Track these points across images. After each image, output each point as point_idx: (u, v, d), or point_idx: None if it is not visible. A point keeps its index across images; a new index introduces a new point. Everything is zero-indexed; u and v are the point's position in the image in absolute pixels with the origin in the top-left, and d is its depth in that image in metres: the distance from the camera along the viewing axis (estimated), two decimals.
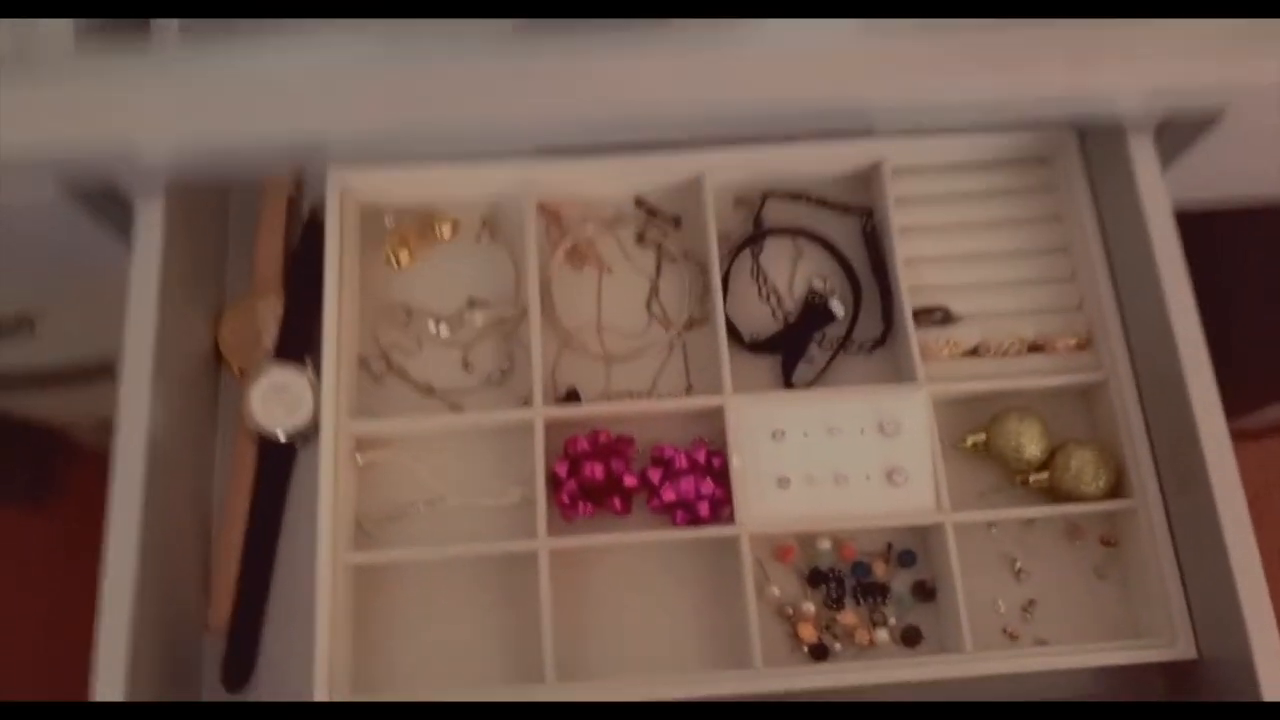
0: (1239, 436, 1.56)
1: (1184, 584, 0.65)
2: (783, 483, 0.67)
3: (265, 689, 0.67)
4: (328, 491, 0.65)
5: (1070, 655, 0.64)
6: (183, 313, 0.70)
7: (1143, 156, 0.68)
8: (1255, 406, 1.32)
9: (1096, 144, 0.73)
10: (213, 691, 0.66)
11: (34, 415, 1.17)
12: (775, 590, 0.68)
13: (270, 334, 0.73)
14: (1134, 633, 0.67)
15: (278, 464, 0.71)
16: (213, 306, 0.74)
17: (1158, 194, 0.67)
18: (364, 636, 0.67)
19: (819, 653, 0.66)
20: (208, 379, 0.73)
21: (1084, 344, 0.71)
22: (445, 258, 0.76)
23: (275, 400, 0.70)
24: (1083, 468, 0.67)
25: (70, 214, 0.68)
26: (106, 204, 0.68)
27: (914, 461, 0.67)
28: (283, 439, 0.70)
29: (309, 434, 0.70)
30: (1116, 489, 0.68)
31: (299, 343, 0.72)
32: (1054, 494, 0.69)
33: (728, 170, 0.74)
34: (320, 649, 0.62)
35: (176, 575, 0.66)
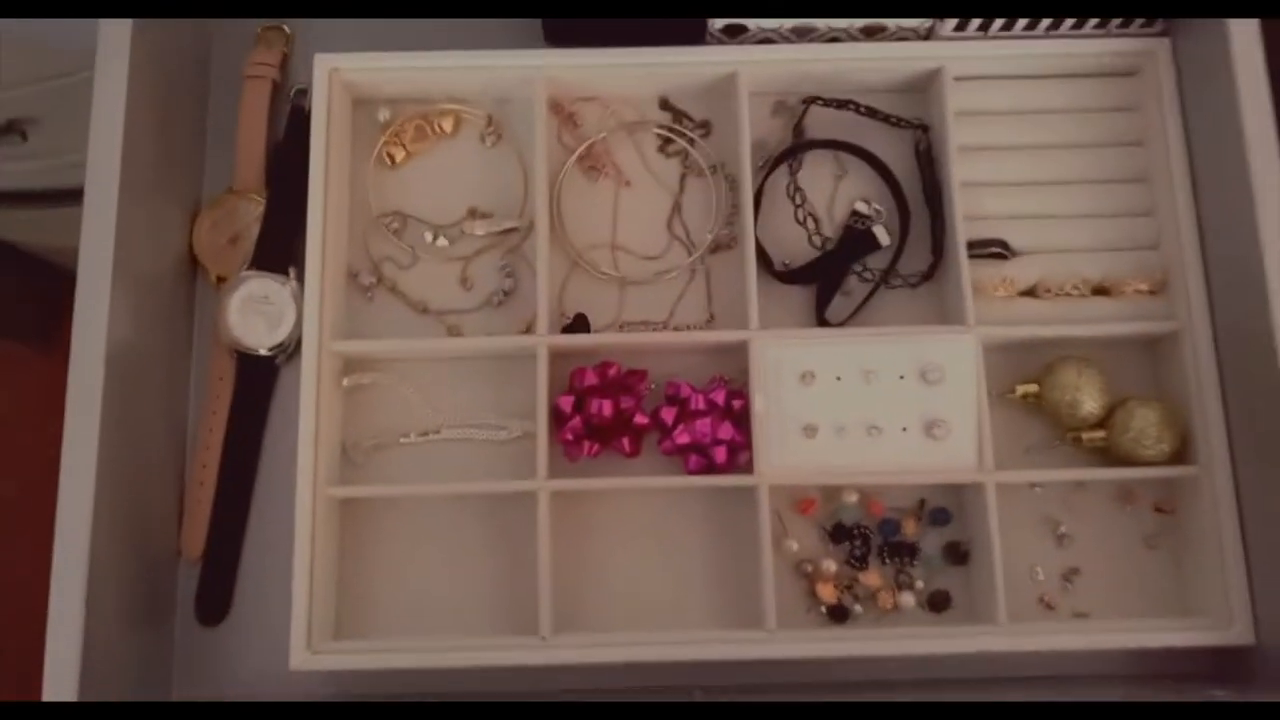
0: None
1: (1248, 563, 0.58)
2: (809, 430, 0.60)
3: (242, 624, 0.62)
4: (309, 418, 0.60)
5: (1111, 634, 0.59)
6: (153, 208, 0.63)
7: (1248, 65, 0.58)
8: None
9: (1192, 53, 0.63)
10: (186, 625, 0.62)
11: (40, 249, 1.15)
12: (794, 545, 0.62)
13: (251, 237, 0.66)
14: (1184, 611, 0.61)
15: (257, 382, 0.65)
16: (189, 204, 0.67)
17: (1262, 111, 0.58)
18: (348, 576, 0.62)
19: (838, 615, 0.61)
20: (181, 285, 0.66)
21: (1157, 289, 0.63)
22: (445, 159, 0.68)
23: (255, 313, 0.64)
24: (1145, 429, 0.60)
25: None
26: None
27: (957, 413, 0.60)
28: (263, 354, 0.64)
29: (292, 350, 0.64)
30: (1179, 454, 0.61)
31: (282, 249, 0.65)
32: (1109, 455, 0.62)
33: (766, 70, 0.65)
34: (299, 590, 0.58)
35: (145, 499, 0.61)
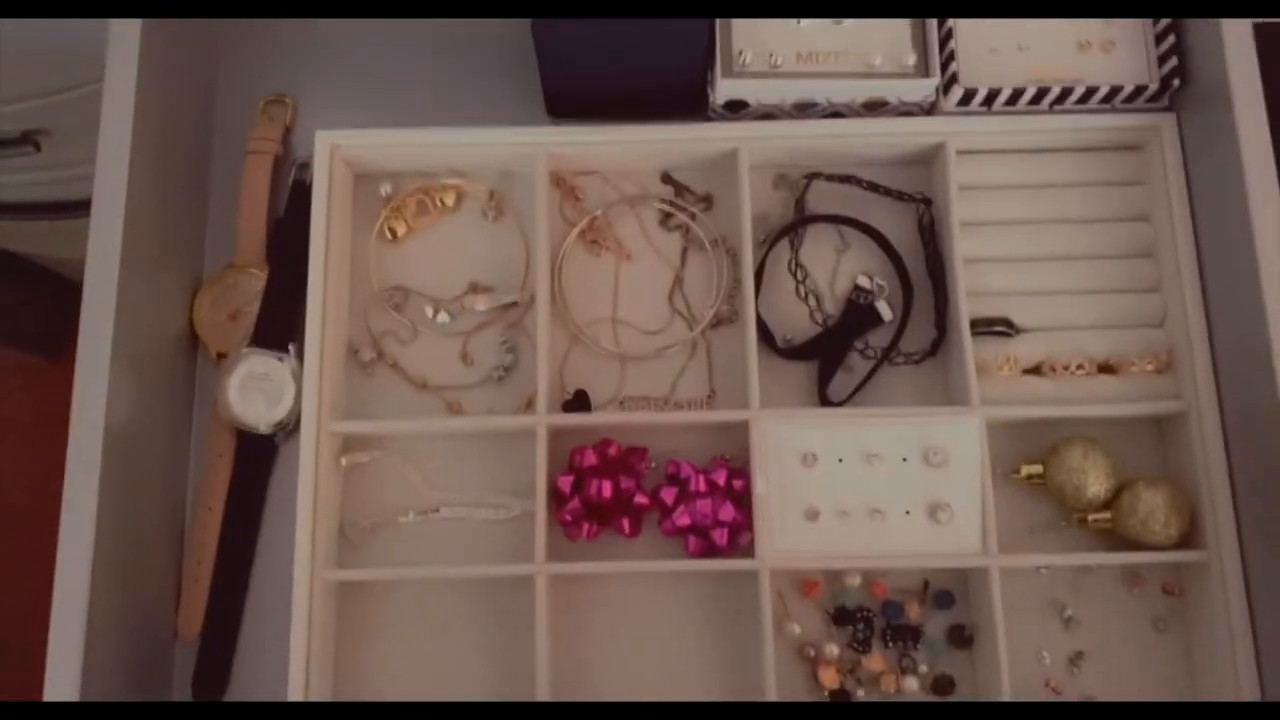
0: None
1: (1256, 647, 0.57)
2: (811, 514, 0.59)
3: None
4: (306, 500, 0.59)
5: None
6: (154, 283, 0.63)
7: (1252, 140, 0.58)
8: None
9: (1197, 128, 0.63)
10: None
11: (51, 260, 1.16)
12: (796, 628, 0.61)
13: (252, 313, 0.66)
14: (1192, 695, 0.60)
15: (257, 460, 0.65)
16: (190, 279, 0.67)
17: (1268, 187, 0.57)
18: (344, 656, 0.61)
19: (840, 699, 0.60)
20: (182, 361, 0.66)
21: (1163, 367, 0.63)
22: (447, 233, 0.68)
23: (254, 390, 0.64)
24: (1152, 512, 0.59)
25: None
26: None
27: (961, 496, 0.59)
28: (263, 432, 0.64)
29: (291, 428, 0.64)
30: (1187, 536, 0.60)
31: (282, 325, 0.65)
32: (1115, 537, 0.61)
33: (768, 146, 0.65)
34: (295, 672, 0.57)
35: (142, 576, 0.61)
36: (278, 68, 0.71)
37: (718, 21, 0.63)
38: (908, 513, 0.60)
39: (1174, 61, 0.63)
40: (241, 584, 0.63)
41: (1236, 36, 0.59)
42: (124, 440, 0.58)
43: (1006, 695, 0.57)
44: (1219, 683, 0.58)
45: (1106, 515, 0.61)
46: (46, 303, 1.17)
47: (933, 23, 0.64)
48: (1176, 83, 0.63)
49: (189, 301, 0.66)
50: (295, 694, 0.57)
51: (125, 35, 0.60)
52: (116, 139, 0.59)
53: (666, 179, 0.68)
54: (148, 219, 0.61)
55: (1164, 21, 0.64)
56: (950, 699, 0.61)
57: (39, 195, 1.08)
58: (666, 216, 0.68)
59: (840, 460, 0.60)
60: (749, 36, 0.64)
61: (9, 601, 1.37)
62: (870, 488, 0.60)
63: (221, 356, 0.65)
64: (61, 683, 0.53)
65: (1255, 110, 0.58)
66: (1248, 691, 0.57)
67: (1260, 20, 0.60)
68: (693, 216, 0.67)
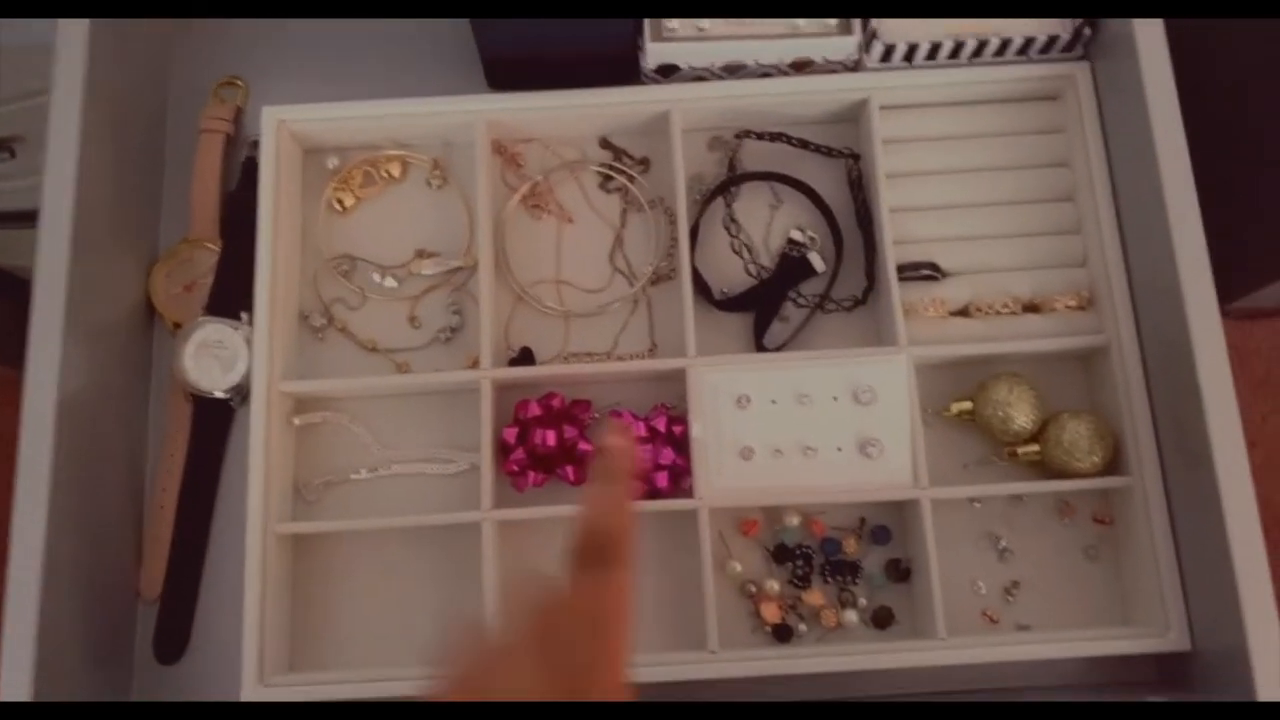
0: (1257, 315, 1.48)
1: (1181, 570, 0.59)
2: (746, 453, 0.61)
3: (199, 662, 0.63)
4: (258, 458, 0.61)
5: (1052, 644, 0.59)
6: (109, 258, 0.65)
7: (1157, 83, 0.60)
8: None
9: (1109, 76, 0.65)
10: (145, 663, 0.63)
11: (22, 269, 1.18)
12: (737, 566, 0.63)
13: (207, 285, 0.68)
14: (1124, 620, 0.62)
15: (213, 423, 0.67)
16: (146, 254, 0.69)
17: (1172, 127, 0.60)
18: (301, 610, 0.63)
19: (782, 634, 0.62)
20: (139, 332, 0.68)
21: (1085, 304, 0.65)
22: (393, 202, 0.70)
23: (209, 357, 0.66)
24: (1076, 441, 0.61)
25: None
26: None
27: (890, 432, 0.62)
28: (219, 397, 0.66)
29: (247, 392, 0.66)
30: (1113, 464, 0.62)
31: (235, 295, 0.67)
32: (1044, 468, 0.63)
33: (699, 107, 0.67)
34: (250, 624, 0.59)
35: (103, 540, 0.62)
36: (229, 51, 0.74)
37: None
38: (839, 449, 0.62)
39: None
40: (201, 544, 0.65)
41: None
42: (80, 409, 0.60)
43: (941, 625, 0.59)
44: (1147, 607, 0.60)
45: (1034, 448, 0.63)
46: (23, 314, 1.18)
47: None
48: (1088, 32, 0.66)
49: (145, 275, 0.69)
50: (249, 645, 0.59)
51: (74, 22, 0.63)
52: (67, 122, 0.61)
53: (605, 143, 0.71)
54: (100, 198, 0.63)
55: None
56: (888, 630, 0.62)
57: (16, 204, 1.09)
58: (606, 179, 0.70)
59: (773, 402, 0.62)
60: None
61: None
62: (802, 427, 0.62)
63: (178, 327, 0.67)
64: (19, 642, 0.55)
65: (1159, 55, 0.61)
66: (1173, 615, 0.59)
67: None
68: (631, 179, 0.70)
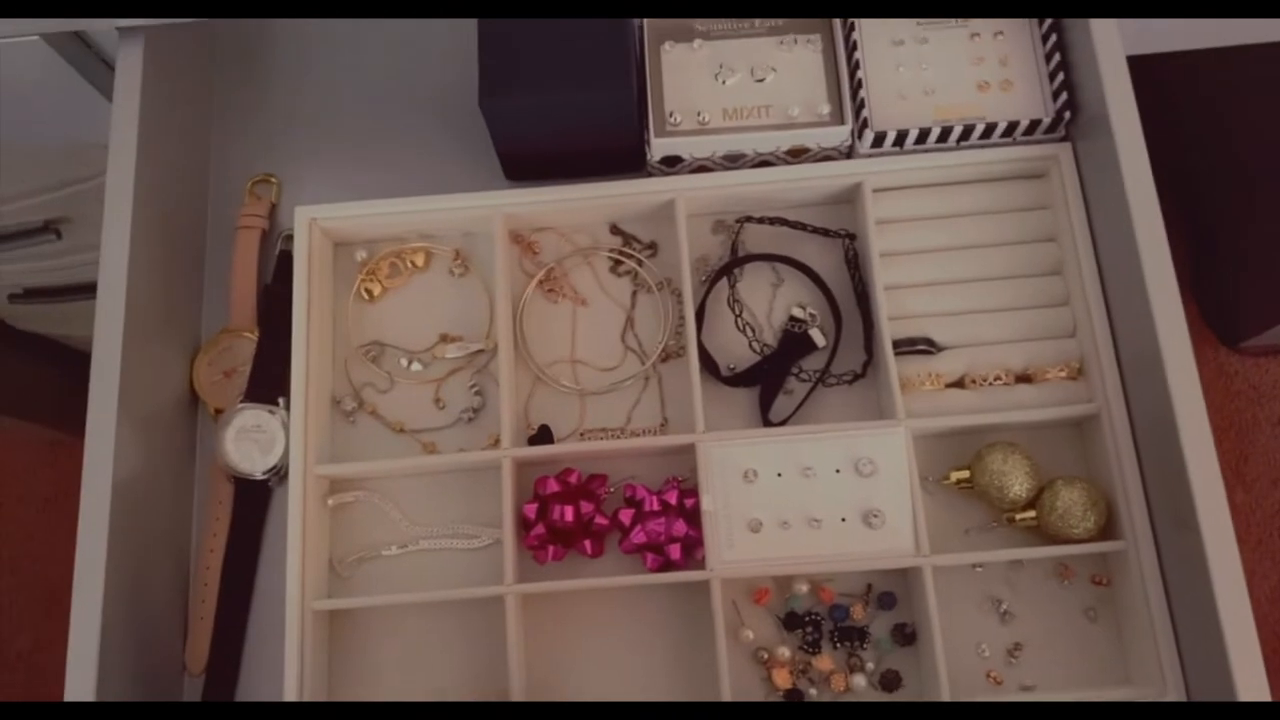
0: (1272, 352, 1.50)
1: (1175, 629, 0.62)
2: (754, 525, 0.65)
3: None
4: (295, 538, 0.65)
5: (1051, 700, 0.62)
6: (156, 350, 0.70)
7: (1131, 156, 0.63)
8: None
9: (1088, 154, 0.68)
10: None
11: (78, 340, 1.24)
12: (749, 634, 0.66)
13: (246, 372, 0.73)
14: (1125, 678, 0.64)
15: (253, 503, 0.71)
16: (189, 344, 0.74)
17: (1148, 203, 0.63)
18: (337, 680, 0.67)
19: (794, 699, 0.65)
20: (183, 418, 0.73)
21: (1076, 374, 0.68)
22: (418, 290, 0.75)
23: (249, 441, 0.70)
24: (1069, 508, 0.64)
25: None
26: None
27: (891, 502, 0.65)
28: (258, 478, 0.70)
29: (284, 473, 0.70)
30: (1107, 528, 0.65)
31: (272, 381, 0.71)
32: (1042, 533, 0.66)
33: (702, 195, 0.71)
34: (289, 698, 0.63)
35: (153, 616, 0.67)
36: (263, 149, 0.79)
37: (649, 86, 0.70)
38: (843, 520, 0.65)
39: (1065, 96, 0.69)
40: (242, 619, 0.69)
41: (1113, 69, 0.65)
42: (131, 494, 0.64)
43: (946, 688, 0.62)
44: (1146, 664, 0.62)
45: (1031, 514, 0.66)
46: (71, 380, 1.25)
47: (845, 74, 0.70)
48: (1068, 115, 0.69)
49: (189, 364, 0.73)
50: None
51: (125, 125, 0.68)
52: (118, 222, 0.67)
53: (615, 230, 0.75)
54: (149, 292, 0.68)
55: (1055, 60, 0.70)
56: (896, 693, 0.65)
57: (63, 279, 1.16)
58: (616, 264, 0.74)
59: (779, 475, 0.65)
60: (678, 98, 0.71)
61: (45, 663, 1.43)
62: (808, 499, 0.65)
63: (219, 412, 0.72)
64: None
65: (1133, 135, 0.64)
66: (1170, 670, 0.61)
67: (1135, 54, 0.67)
68: (640, 262, 0.74)
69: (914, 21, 0.73)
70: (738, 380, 0.70)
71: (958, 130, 0.69)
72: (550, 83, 0.65)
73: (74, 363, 1.25)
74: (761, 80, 0.71)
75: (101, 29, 0.68)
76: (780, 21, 0.72)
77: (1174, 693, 0.61)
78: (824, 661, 0.65)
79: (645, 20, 0.72)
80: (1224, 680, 0.56)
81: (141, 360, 0.67)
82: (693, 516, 0.66)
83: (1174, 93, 1.36)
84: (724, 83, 0.71)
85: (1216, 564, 0.57)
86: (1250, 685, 0.55)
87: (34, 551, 1.55)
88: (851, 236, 0.72)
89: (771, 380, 0.70)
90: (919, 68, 0.71)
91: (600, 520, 0.67)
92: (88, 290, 1.11)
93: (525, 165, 0.74)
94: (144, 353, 0.67)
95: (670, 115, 0.70)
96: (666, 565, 0.66)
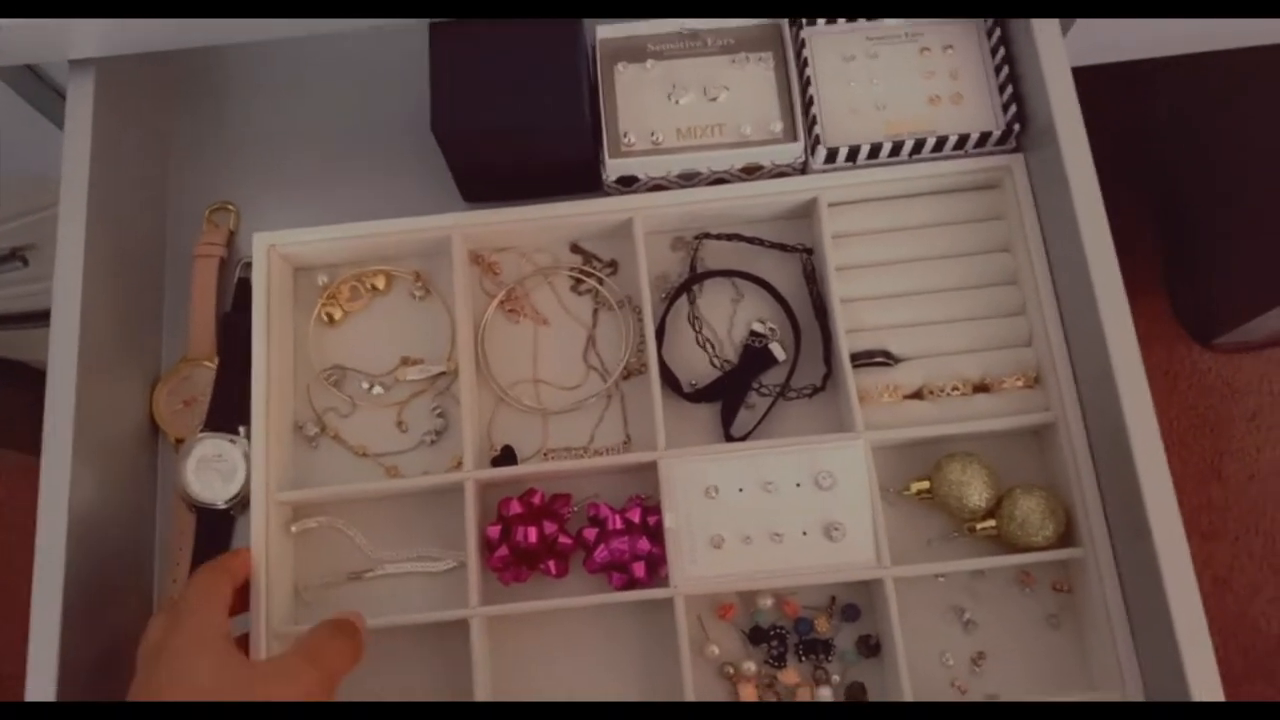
0: (1246, 348, 1.53)
1: (1133, 633, 0.62)
2: (717, 541, 0.65)
3: None
4: (259, 565, 0.65)
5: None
6: (114, 379, 0.69)
7: (1077, 166, 0.64)
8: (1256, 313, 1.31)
9: (1039, 165, 0.69)
10: None
11: (41, 363, 1.24)
12: (715, 649, 0.66)
13: (206, 401, 0.72)
14: (1088, 684, 0.65)
15: (215, 532, 0.71)
16: (149, 373, 0.74)
17: (1094, 213, 0.63)
18: None
19: None
20: (144, 448, 0.72)
21: (1032, 383, 0.69)
22: (379, 314, 0.75)
23: (210, 470, 0.70)
24: (1028, 517, 0.64)
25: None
26: None
27: (852, 515, 0.65)
28: (220, 507, 0.70)
29: (246, 500, 0.70)
30: (1067, 535, 0.65)
31: (232, 409, 0.71)
32: (1002, 542, 0.66)
33: (659, 213, 0.72)
34: None
35: (113, 649, 0.66)
36: (221, 176, 0.79)
37: (603, 107, 0.71)
38: (805, 534, 0.65)
39: (1014, 108, 0.70)
40: None
41: (1058, 80, 0.66)
42: (90, 524, 0.64)
43: (910, 698, 0.62)
44: (1107, 668, 0.63)
45: (991, 523, 0.66)
46: (41, 405, 1.24)
47: (796, 91, 0.71)
48: (1018, 127, 0.70)
49: (148, 393, 0.73)
50: None
51: (76, 157, 0.67)
52: (71, 253, 0.66)
53: (575, 248, 0.75)
54: (105, 322, 0.68)
55: (1005, 73, 0.71)
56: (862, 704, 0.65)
57: (31, 305, 1.16)
58: (577, 282, 0.75)
59: (740, 490, 0.66)
60: (632, 119, 0.71)
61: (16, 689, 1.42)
62: (769, 514, 0.65)
63: (180, 442, 0.72)
64: None
65: (1079, 145, 0.65)
66: (1129, 674, 0.62)
67: (1081, 64, 0.68)
68: (600, 281, 0.74)
69: (864, 36, 0.73)
70: (699, 396, 0.71)
71: (909, 144, 0.70)
72: (504, 108, 0.66)
73: (42, 386, 1.25)
74: (714, 99, 0.71)
75: (53, 60, 0.67)
76: (733, 39, 0.73)
77: (1134, 695, 0.61)
78: (789, 675, 0.66)
79: (598, 40, 0.72)
80: (1179, 683, 0.57)
81: (99, 390, 0.67)
82: (656, 534, 0.66)
83: (1146, 91, 1.38)
84: (677, 102, 0.71)
85: (1169, 570, 0.58)
86: (1204, 686, 0.56)
87: (13, 579, 1.54)
88: (809, 251, 0.73)
89: (733, 396, 0.71)
90: (870, 82, 0.72)
91: (564, 540, 0.67)
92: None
93: (482, 186, 0.74)
94: (101, 383, 0.67)
95: (624, 136, 0.71)
96: (631, 583, 0.66)
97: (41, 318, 1.18)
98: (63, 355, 0.65)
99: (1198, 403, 1.57)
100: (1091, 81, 0.70)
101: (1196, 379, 1.58)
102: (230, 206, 0.78)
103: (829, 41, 0.73)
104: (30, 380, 1.30)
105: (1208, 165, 1.38)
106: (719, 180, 0.73)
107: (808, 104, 0.71)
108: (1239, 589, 1.49)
